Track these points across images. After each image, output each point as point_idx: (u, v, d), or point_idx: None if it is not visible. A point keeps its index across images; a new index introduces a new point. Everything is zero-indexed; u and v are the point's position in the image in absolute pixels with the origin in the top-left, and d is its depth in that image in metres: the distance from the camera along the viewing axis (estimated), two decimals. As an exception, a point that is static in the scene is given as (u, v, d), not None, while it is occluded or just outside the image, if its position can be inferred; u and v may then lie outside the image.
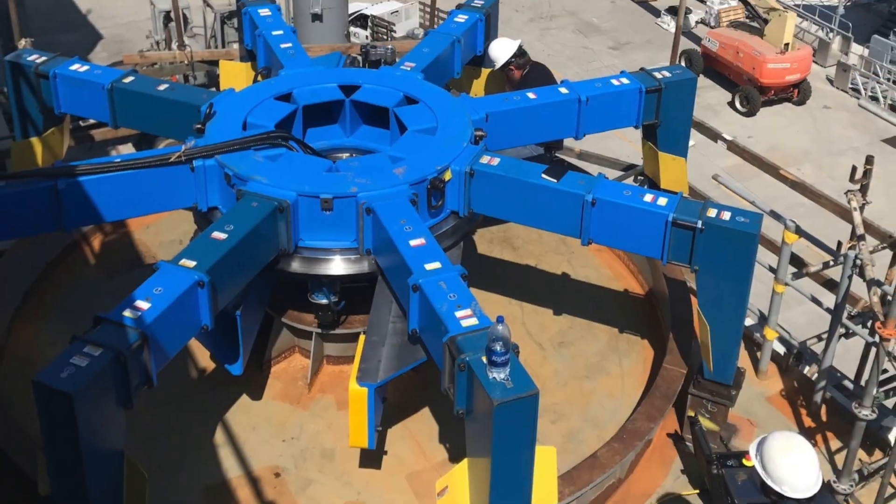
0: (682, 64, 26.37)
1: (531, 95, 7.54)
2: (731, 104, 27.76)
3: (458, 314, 5.32)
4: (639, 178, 9.28)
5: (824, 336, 7.55)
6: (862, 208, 7.14)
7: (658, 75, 7.73)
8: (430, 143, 6.75)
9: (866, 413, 6.58)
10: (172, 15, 19.63)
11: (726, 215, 6.08)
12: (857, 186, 7.29)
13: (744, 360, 7.64)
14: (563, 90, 7.57)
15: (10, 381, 7.04)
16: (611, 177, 7.90)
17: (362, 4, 28.80)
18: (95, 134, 11.19)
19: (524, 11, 33.37)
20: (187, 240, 7.27)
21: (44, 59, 7.68)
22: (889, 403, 7.19)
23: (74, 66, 7.58)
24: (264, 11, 8.44)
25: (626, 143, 19.18)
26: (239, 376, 6.48)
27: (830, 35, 30.45)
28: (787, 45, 26.99)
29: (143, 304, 5.22)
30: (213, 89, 9.50)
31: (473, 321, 5.26)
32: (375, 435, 6.02)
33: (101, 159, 6.55)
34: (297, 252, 6.35)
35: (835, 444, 7.18)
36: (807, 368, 7.73)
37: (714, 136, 10.09)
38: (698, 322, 6.55)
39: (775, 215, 7.57)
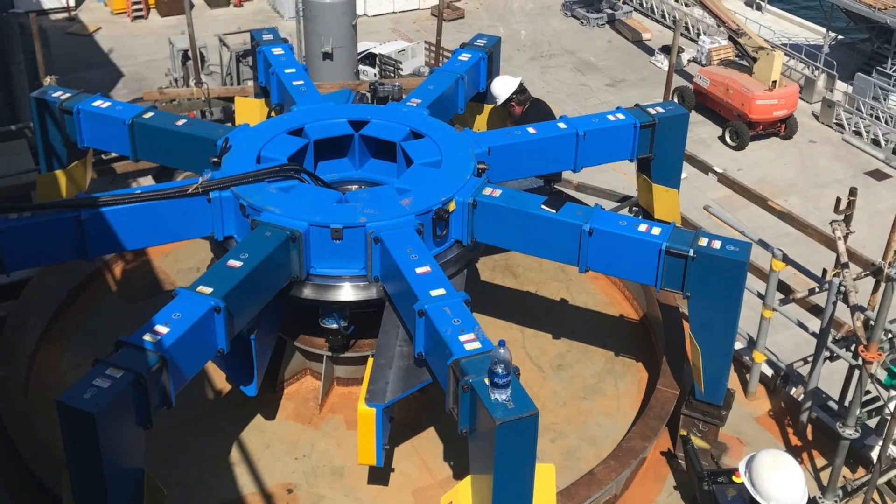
0: (675, 100, 26.70)
1: (531, 130, 7.65)
2: (722, 138, 28.15)
3: (462, 338, 5.46)
4: (633, 208, 9.41)
5: (810, 359, 7.70)
6: (846, 237, 7.31)
7: (652, 111, 7.81)
8: (436, 176, 6.91)
9: (850, 432, 6.77)
10: (190, 54, 19.94)
11: (717, 244, 6.22)
12: (842, 217, 7.50)
13: (733, 381, 7.79)
14: (562, 125, 7.68)
15: (36, 401, 7.17)
16: (607, 208, 7.97)
17: (370, 44, 29.05)
18: (117, 167, 11.36)
19: (525, 50, 33.68)
20: (204, 267, 7.37)
21: (68, 95, 7.80)
22: (872, 423, 7.37)
23: (97, 103, 7.70)
24: (277, 50, 8.59)
25: (621, 176, 19.41)
26: (253, 397, 6.60)
27: (816, 73, 30.96)
28: (774, 82, 27.47)
29: (162, 329, 5.37)
30: (229, 124, 9.49)
31: (476, 345, 5.40)
32: (383, 453, 6.15)
33: (123, 191, 6.68)
34: (309, 279, 6.50)
35: (820, 461, 7.33)
36: (793, 390, 7.88)
37: (705, 168, 10.19)
38: (690, 346, 6.69)
39: (763, 244, 7.72)
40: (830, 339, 7.41)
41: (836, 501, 6.88)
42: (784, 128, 28.21)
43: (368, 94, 8.33)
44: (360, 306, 6.67)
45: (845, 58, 31.84)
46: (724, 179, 9.93)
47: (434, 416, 6.95)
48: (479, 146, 7.31)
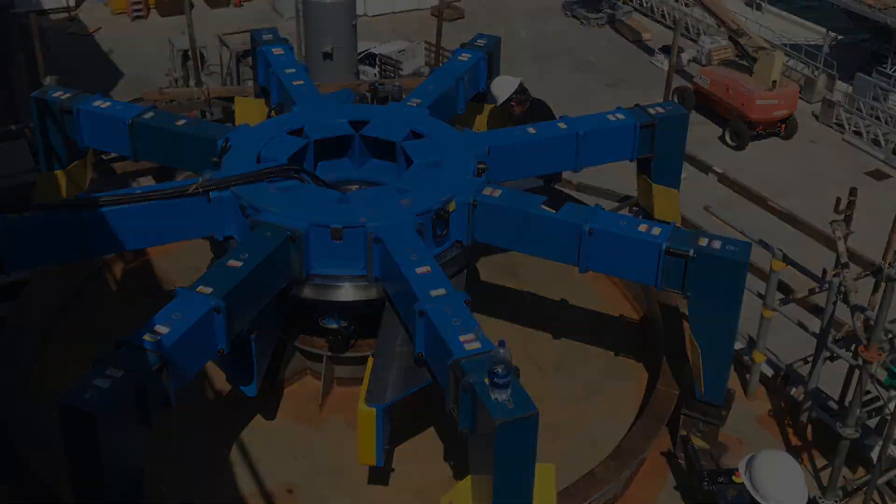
0: (675, 100, 26.64)
1: (531, 130, 7.68)
2: (722, 138, 28.11)
3: (462, 338, 5.48)
4: (634, 208, 9.40)
5: (810, 359, 7.69)
6: (846, 238, 7.30)
7: (652, 111, 7.83)
8: (436, 176, 6.93)
9: (850, 432, 6.78)
10: (190, 54, 19.93)
11: (717, 244, 6.24)
12: (842, 217, 7.48)
13: (733, 381, 7.76)
14: (562, 125, 7.71)
15: (36, 401, 7.08)
16: (607, 208, 8.02)
17: (371, 44, 29.02)
18: (117, 167, 11.39)
19: (525, 50, 33.62)
20: (204, 267, 7.31)
21: (68, 95, 7.81)
22: (872, 423, 7.37)
23: (97, 103, 7.71)
24: (278, 51, 8.60)
25: (621, 176, 19.37)
26: (253, 397, 6.61)
27: (816, 73, 30.92)
28: (774, 82, 27.43)
29: (162, 329, 5.38)
30: (229, 124, 9.52)
31: (476, 345, 5.41)
32: (383, 453, 6.17)
33: (123, 191, 6.70)
34: (309, 279, 6.51)
35: (820, 461, 7.35)
36: (793, 390, 7.86)
37: (705, 168, 10.22)
38: (690, 346, 6.70)
39: (763, 244, 7.71)
40: (830, 339, 7.40)
41: (836, 501, 6.89)
42: (784, 128, 28.19)
43: (368, 95, 8.36)
44: (360, 306, 6.68)
45: (846, 58, 31.80)
46: (724, 179, 9.96)
47: (434, 416, 6.93)
48: (479, 146, 7.32)
